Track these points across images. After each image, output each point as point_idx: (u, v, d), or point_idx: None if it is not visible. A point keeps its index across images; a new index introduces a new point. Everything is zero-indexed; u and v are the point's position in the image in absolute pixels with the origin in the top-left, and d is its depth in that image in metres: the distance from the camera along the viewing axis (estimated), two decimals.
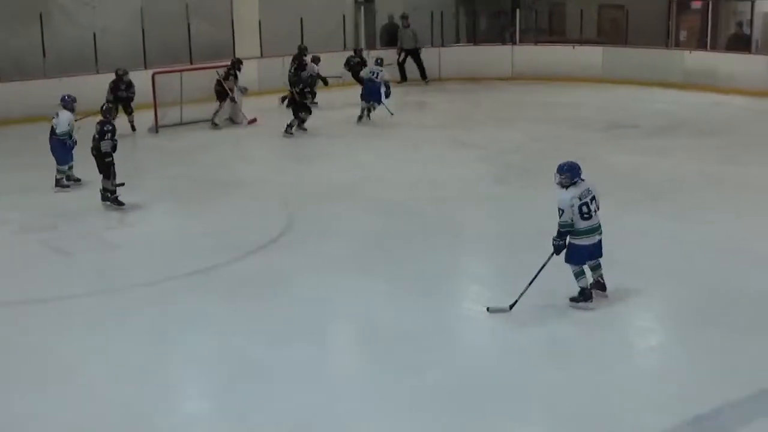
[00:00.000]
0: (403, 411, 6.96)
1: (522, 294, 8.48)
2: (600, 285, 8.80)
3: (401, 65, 22.42)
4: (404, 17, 22.60)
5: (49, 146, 13.26)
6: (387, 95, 17.90)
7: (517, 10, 24.14)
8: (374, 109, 17.95)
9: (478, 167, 14.28)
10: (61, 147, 13.15)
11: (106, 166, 12.27)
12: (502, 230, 11.43)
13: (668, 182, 13.17)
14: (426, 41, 22.94)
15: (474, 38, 24.79)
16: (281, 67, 19.59)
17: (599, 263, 8.76)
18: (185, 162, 15.26)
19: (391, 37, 23.42)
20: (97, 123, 12.39)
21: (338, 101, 19.29)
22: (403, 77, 22.37)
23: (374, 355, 8.02)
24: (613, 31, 23.12)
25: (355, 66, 19.92)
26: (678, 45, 22.13)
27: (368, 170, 14.33)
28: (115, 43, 19.52)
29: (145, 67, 18.93)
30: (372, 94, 17.90)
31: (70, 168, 13.36)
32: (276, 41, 21.23)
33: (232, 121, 17.97)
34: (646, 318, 8.92)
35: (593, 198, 8.52)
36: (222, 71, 17.70)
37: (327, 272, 9.83)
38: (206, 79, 17.74)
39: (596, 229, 8.56)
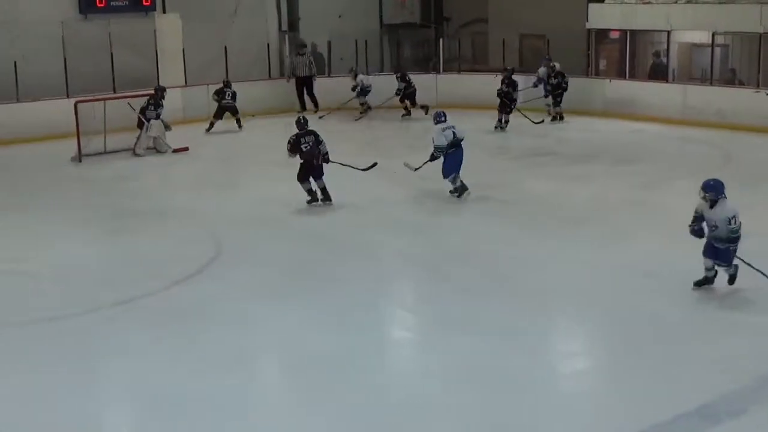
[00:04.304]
0: None
1: (761, 271, 9.45)
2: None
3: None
4: (301, 45, 22.88)
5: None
6: None
7: (441, 40, 24.44)
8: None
9: (397, 192, 14.35)
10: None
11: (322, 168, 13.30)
12: (428, 253, 11.49)
13: (590, 209, 13.40)
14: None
15: (398, 67, 24.94)
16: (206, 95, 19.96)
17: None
18: (109, 191, 15.13)
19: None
20: (303, 135, 13.20)
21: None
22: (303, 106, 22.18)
23: (298, 382, 8.01)
24: (534, 60, 23.45)
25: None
26: (598, 74, 22.53)
27: (290, 197, 14.14)
28: (36, 72, 19.30)
29: (67, 96, 18.79)
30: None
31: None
32: (200, 70, 21.30)
33: (157, 150, 17.80)
34: (571, 343, 9.05)
35: None
36: (135, 102, 17.64)
37: (253, 300, 9.80)
38: (129, 108, 17.63)
39: None
